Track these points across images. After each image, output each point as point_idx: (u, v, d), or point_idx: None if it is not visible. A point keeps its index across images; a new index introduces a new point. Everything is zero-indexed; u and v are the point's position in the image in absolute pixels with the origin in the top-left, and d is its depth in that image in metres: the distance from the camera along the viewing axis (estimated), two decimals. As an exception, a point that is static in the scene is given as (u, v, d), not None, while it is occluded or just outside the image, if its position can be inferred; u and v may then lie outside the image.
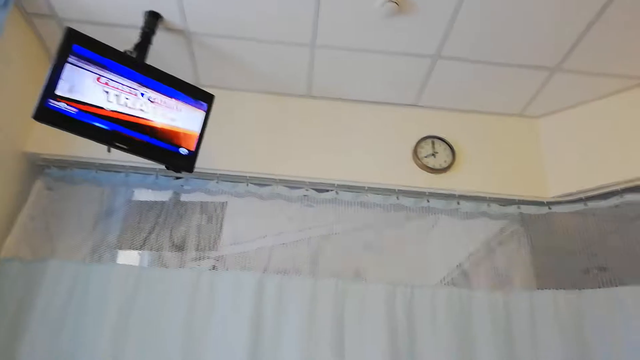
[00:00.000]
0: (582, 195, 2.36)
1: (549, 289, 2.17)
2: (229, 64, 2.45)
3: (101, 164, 2.36)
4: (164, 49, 2.37)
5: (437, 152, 2.50)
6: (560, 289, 2.16)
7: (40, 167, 2.35)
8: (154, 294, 2.05)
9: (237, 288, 2.08)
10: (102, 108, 1.89)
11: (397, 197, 2.40)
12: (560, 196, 2.41)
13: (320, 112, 2.61)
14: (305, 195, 2.40)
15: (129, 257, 2.25)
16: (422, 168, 2.47)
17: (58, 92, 1.79)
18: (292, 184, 2.40)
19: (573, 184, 2.37)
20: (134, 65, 2.00)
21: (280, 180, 2.40)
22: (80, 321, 1.97)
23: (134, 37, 2.13)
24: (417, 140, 2.52)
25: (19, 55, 2.23)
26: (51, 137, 2.33)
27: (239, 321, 2.00)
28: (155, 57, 2.35)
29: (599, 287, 2.11)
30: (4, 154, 2.18)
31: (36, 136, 2.36)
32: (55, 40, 2.29)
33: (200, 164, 2.20)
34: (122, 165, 2.37)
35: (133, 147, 1.97)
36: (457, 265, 2.30)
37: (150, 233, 2.27)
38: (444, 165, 2.47)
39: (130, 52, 2.08)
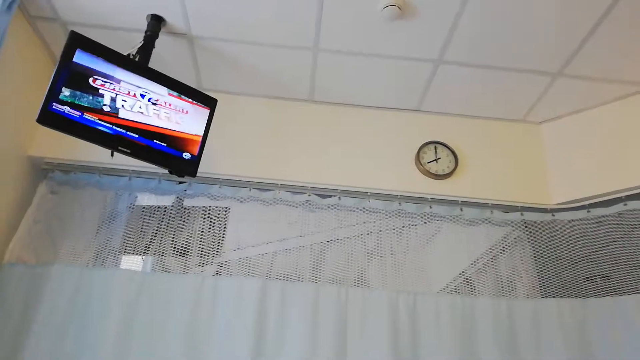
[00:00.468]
0: (585, 203, 2.35)
1: (553, 296, 2.17)
2: (232, 68, 2.45)
3: (105, 168, 2.36)
4: (167, 53, 2.37)
5: (439, 158, 2.50)
6: (564, 296, 2.16)
7: (44, 170, 2.35)
8: (157, 299, 2.04)
9: (239, 294, 2.08)
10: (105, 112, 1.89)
11: (400, 203, 2.40)
12: (563, 203, 2.40)
13: (323, 117, 2.61)
14: (307, 201, 2.40)
15: (132, 262, 2.25)
16: (424, 174, 2.46)
17: (62, 95, 1.79)
18: (294, 189, 2.40)
19: (576, 191, 2.37)
20: (137, 69, 2.00)
21: (282, 185, 2.40)
22: (83, 325, 1.97)
23: (137, 40, 2.14)
24: (419, 145, 2.52)
25: (22, 59, 2.23)
26: (55, 140, 2.33)
27: (241, 327, 2.00)
28: (158, 61, 2.36)
29: (603, 296, 2.10)
30: (7, 158, 2.18)
31: (40, 140, 2.36)
32: (58, 43, 2.30)
33: (203, 168, 2.21)
34: (126, 170, 2.37)
35: (136, 151, 1.97)
36: (460, 273, 2.29)
37: (153, 238, 2.27)
38: (447, 171, 2.46)
39: (134, 55, 2.08)
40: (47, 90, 1.77)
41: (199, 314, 2.03)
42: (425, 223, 2.41)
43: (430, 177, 2.46)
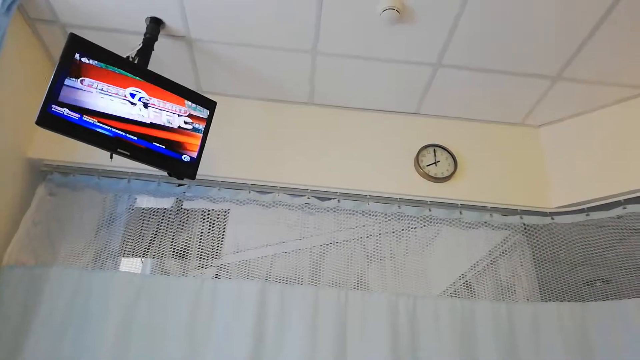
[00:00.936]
0: (584, 206, 2.36)
1: (552, 300, 2.17)
2: (231, 70, 2.45)
3: (104, 170, 2.36)
4: (166, 55, 2.37)
5: (439, 161, 2.50)
6: (564, 300, 2.16)
7: (42, 173, 2.35)
8: (156, 302, 2.04)
9: (239, 297, 2.07)
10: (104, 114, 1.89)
11: (399, 206, 2.40)
12: (562, 206, 2.40)
13: (322, 120, 2.61)
14: (307, 203, 2.39)
15: (131, 264, 2.24)
16: (424, 177, 2.47)
17: (61, 97, 1.79)
18: (294, 192, 2.40)
19: (575, 194, 2.37)
20: (136, 71, 1.99)
21: (282, 188, 2.40)
22: (82, 328, 1.96)
23: (136, 43, 2.14)
24: (418, 148, 2.52)
25: (21, 61, 2.23)
26: (54, 143, 2.33)
27: (240, 330, 1.99)
28: (157, 64, 2.36)
29: (603, 300, 2.10)
30: (6, 160, 2.18)
31: (39, 142, 2.35)
32: (57, 45, 2.30)
33: (202, 171, 2.20)
34: (125, 172, 2.37)
35: (135, 154, 1.97)
36: (460, 276, 2.29)
37: (152, 240, 2.26)
38: (446, 174, 2.46)
39: (133, 58, 2.08)
40: (46, 92, 1.77)
41: (198, 316, 2.02)
42: (424, 226, 2.41)
43: (430, 180, 2.46)
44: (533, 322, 2.10)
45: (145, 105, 2.00)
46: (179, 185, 2.38)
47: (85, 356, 1.91)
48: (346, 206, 2.39)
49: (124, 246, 2.24)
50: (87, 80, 1.86)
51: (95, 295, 2.03)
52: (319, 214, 2.40)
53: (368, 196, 2.42)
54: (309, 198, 2.40)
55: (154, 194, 2.38)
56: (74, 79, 1.83)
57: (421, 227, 2.40)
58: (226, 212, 2.38)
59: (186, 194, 2.38)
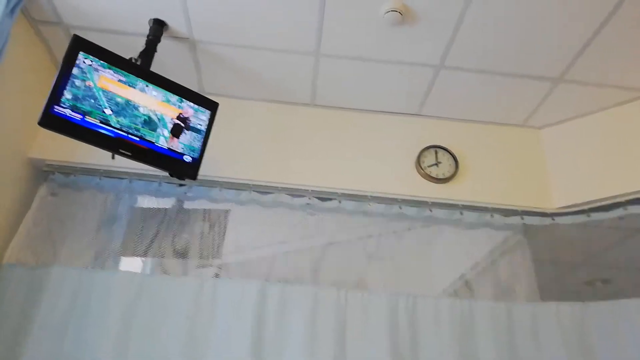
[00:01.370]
0: (585, 207, 2.35)
1: (552, 300, 2.16)
2: (233, 72, 2.46)
3: (105, 171, 2.37)
4: (169, 57, 2.38)
5: (440, 162, 2.50)
6: (564, 300, 2.15)
7: (44, 173, 2.36)
8: (157, 302, 2.04)
9: (239, 296, 2.07)
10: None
11: (400, 207, 2.40)
12: (563, 207, 2.40)
13: (324, 121, 2.62)
14: (307, 204, 2.40)
15: (132, 264, 2.25)
16: (425, 177, 2.47)
17: (64, 98, 1.80)
18: (294, 192, 2.41)
19: (576, 195, 2.37)
20: (139, 73, 2.01)
21: (283, 188, 2.41)
22: (82, 327, 1.97)
23: (140, 44, 2.15)
24: (420, 149, 2.53)
25: (25, 62, 2.24)
26: (56, 143, 2.34)
27: (241, 329, 1.99)
28: (160, 65, 2.37)
29: (603, 300, 2.10)
30: (8, 160, 2.19)
31: (41, 142, 2.37)
32: (61, 47, 2.32)
33: (203, 171, 2.21)
34: (126, 172, 2.37)
35: (137, 154, 1.98)
36: (460, 276, 2.29)
37: (153, 240, 2.27)
38: (447, 175, 2.47)
39: (136, 59, 2.09)
40: (49, 93, 1.78)
41: (198, 316, 2.03)
42: (425, 226, 2.41)
43: (431, 181, 2.46)
44: (533, 321, 2.10)
45: (147, 106, 2.01)
46: (180, 185, 2.38)
47: (85, 355, 1.91)
48: (347, 207, 2.39)
49: (125, 246, 2.25)
50: (90, 81, 1.88)
51: (95, 294, 2.04)
52: (319, 214, 2.40)
53: (369, 197, 2.42)
54: (310, 198, 2.40)
55: (155, 194, 2.39)
56: (76, 80, 1.84)
57: (422, 227, 2.40)
58: (227, 212, 2.38)
59: (187, 194, 2.39)
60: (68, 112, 1.81)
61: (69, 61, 1.84)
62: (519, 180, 2.50)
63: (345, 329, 2.04)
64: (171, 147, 2.06)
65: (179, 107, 2.10)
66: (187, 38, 2.27)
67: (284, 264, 2.24)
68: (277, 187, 2.41)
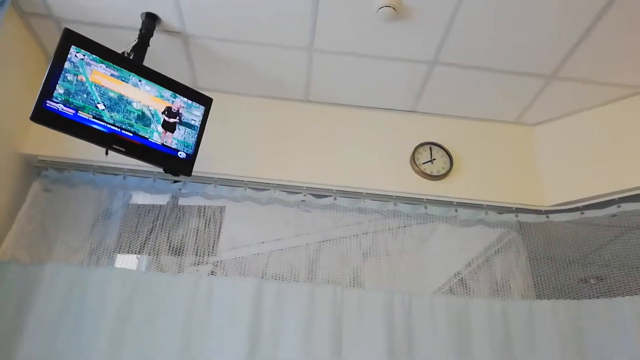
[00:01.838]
0: (579, 204, 2.37)
1: (547, 297, 2.18)
2: (227, 67, 2.44)
3: (99, 167, 2.35)
4: (162, 51, 2.36)
5: (435, 159, 2.51)
6: (558, 297, 2.17)
7: (37, 168, 2.33)
8: (152, 299, 2.03)
9: (235, 294, 2.07)
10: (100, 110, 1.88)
11: (395, 204, 2.40)
12: (557, 205, 2.41)
13: (318, 117, 2.61)
14: (303, 201, 2.39)
15: (126, 261, 2.23)
16: (419, 174, 2.47)
17: (56, 93, 1.78)
18: (290, 189, 2.40)
19: (570, 193, 2.38)
20: (131, 67, 1.98)
21: (278, 185, 2.40)
22: (77, 325, 1.96)
23: (132, 38, 2.12)
24: (414, 146, 2.53)
25: (15, 56, 2.21)
26: (49, 138, 2.31)
27: (236, 327, 1.99)
28: (153, 59, 2.35)
29: (597, 297, 2.12)
30: (1, 155, 2.16)
31: (33, 137, 2.34)
32: (52, 40, 2.29)
33: (198, 167, 2.20)
34: (120, 168, 2.35)
35: (131, 150, 1.96)
36: (455, 273, 2.30)
37: (148, 237, 2.26)
38: (442, 171, 2.47)
39: (128, 53, 2.07)
40: (40, 87, 1.76)
41: (193, 313, 2.02)
42: (420, 224, 2.41)
43: (426, 178, 2.46)
44: (528, 319, 2.11)
45: (141, 101, 1.99)
46: (175, 181, 2.37)
47: (80, 352, 1.90)
48: (342, 203, 2.39)
49: (120, 243, 2.24)
50: (82, 76, 1.85)
51: (90, 291, 2.02)
52: (315, 211, 2.40)
53: (364, 194, 2.42)
54: (305, 195, 2.39)
55: (149, 191, 2.37)
56: (68, 74, 1.82)
57: (417, 224, 2.41)
58: (222, 209, 2.37)
59: (182, 191, 2.37)
60: (60, 107, 1.79)
61: (61, 55, 1.81)
62: (514, 178, 2.51)
63: (341, 326, 2.04)
64: (165, 143, 2.05)
65: (172, 102, 2.08)
66: (180, 32, 2.25)
67: (279, 261, 2.24)
68: (272, 183, 2.40)
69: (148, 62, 2.12)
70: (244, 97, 2.62)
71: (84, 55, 1.87)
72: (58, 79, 1.79)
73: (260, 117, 2.57)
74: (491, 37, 2.14)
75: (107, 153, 2.03)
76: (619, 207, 2.26)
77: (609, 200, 2.29)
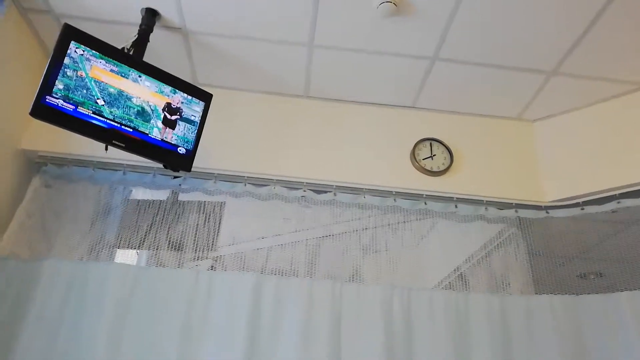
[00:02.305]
0: (578, 200, 2.37)
1: (546, 293, 2.18)
2: (227, 63, 2.44)
3: (99, 162, 2.35)
4: (162, 47, 2.36)
5: (435, 155, 2.51)
6: (557, 293, 2.17)
7: (37, 164, 2.33)
8: (152, 294, 2.04)
9: (234, 289, 2.07)
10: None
11: (395, 199, 2.40)
12: (557, 200, 2.41)
13: (318, 113, 2.61)
14: (303, 196, 2.39)
15: (126, 256, 2.24)
16: (420, 170, 2.47)
17: (55, 88, 1.78)
18: (290, 185, 2.40)
19: (570, 189, 2.38)
20: (131, 63, 1.98)
21: (278, 180, 2.40)
22: (77, 320, 1.96)
23: (132, 34, 2.12)
24: (415, 142, 2.52)
25: (15, 51, 2.21)
26: (48, 134, 2.32)
27: (236, 322, 1.99)
28: (153, 55, 2.35)
29: (596, 293, 2.12)
30: (0, 151, 2.16)
31: (33, 133, 2.34)
32: (52, 36, 2.28)
33: (198, 163, 2.20)
34: (120, 164, 2.36)
35: (130, 146, 1.96)
36: (455, 269, 2.30)
37: (147, 232, 2.26)
38: (442, 167, 2.47)
39: (128, 49, 2.06)
40: (40, 83, 1.76)
41: (193, 308, 2.02)
42: (420, 219, 2.41)
43: (426, 174, 2.46)
44: (527, 314, 2.11)
45: (141, 97, 1.99)
46: (175, 177, 2.37)
47: (80, 348, 1.91)
48: (342, 199, 2.39)
49: (119, 238, 2.24)
50: (82, 71, 1.85)
51: (90, 287, 2.02)
52: (315, 206, 2.40)
53: (364, 189, 2.42)
54: (305, 191, 2.40)
55: (149, 186, 2.38)
56: (68, 70, 1.82)
57: (416, 220, 2.41)
58: (222, 204, 2.37)
59: (182, 186, 2.37)
60: (60, 102, 1.79)
61: (60, 51, 1.81)
62: (513, 173, 2.51)
63: (340, 321, 2.04)
64: (165, 139, 2.05)
65: (172, 98, 2.08)
66: (180, 28, 2.24)
67: (279, 257, 2.24)
68: (272, 179, 2.40)
69: (148, 57, 2.12)
70: (244, 92, 2.62)
71: (83, 51, 1.86)
72: (57, 75, 1.79)
73: (260, 113, 2.57)
74: (491, 33, 2.14)
75: (106, 149, 2.03)
76: (618, 202, 2.26)
77: (609, 196, 2.29)
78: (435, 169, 2.46)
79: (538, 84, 2.41)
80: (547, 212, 2.41)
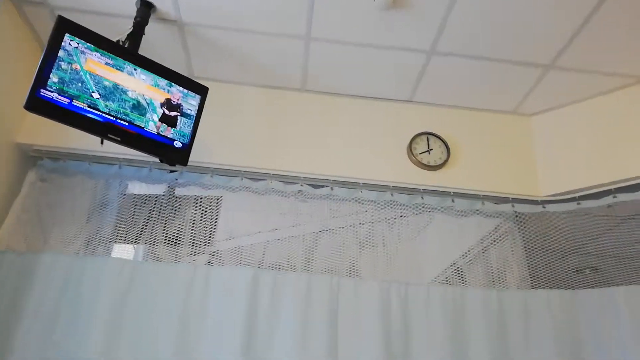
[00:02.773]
0: (575, 195, 2.37)
1: (542, 287, 2.19)
2: (223, 56, 2.42)
3: (95, 156, 2.34)
4: (157, 40, 2.34)
5: (431, 149, 2.50)
6: (554, 287, 2.18)
7: (33, 158, 2.32)
8: (149, 288, 2.03)
9: (231, 283, 2.07)
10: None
11: (392, 194, 2.40)
12: (553, 195, 2.42)
13: (315, 107, 2.60)
14: (300, 191, 2.39)
15: (123, 251, 2.23)
16: (416, 164, 2.47)
17: (50, 82, 1.76)
18: (287, 179, 2.40)
19: (566, 183, 2.38)
20: (126, 56, 1.96)
21: (275, 175, 2.40)
22: (73, 314, 1.96)
23: (127, 26, 2.10)
24: (412, 136, 2.52)
25: (9, 44, 2.19)
26: (44, 128, 2.30)
27: (233, 316, 1.99)
28: (148, 48, 2.33)
29: (592, 287, 2.13)
30: (-6, 145, 2.15)
31: (29, 127, 2.32)
32: (46, 28, 2.26)
33: (194, 157, 2.19)
34: (116, 158, 2.34)
35: (126, 139, 1.94)
36: (452, 263, 2.31)
37: (144, 227, 2.25)
38: (439, 162, 2.47)
39: (123, 42, 2.05)
40: (34, 76, 1.74)
41: (190, 303, 2.02)
42: (417, 214, 2.41)
43: (423, 168, 2.46)
44: (523, 308, 2.12)
45: (136, 91, 1.97)
46: (171, 171, 2.36)
47: (77, 342, 1.91)
48: (339, 194, 2.39)
49: (116, 232, 2.23)
50: (77, 64, 1.83)
51: (86, 281, 2.02)
52: (311, 201, 2.40)
53: (361, 184, 2.42)
54: (302, 185, 2.39)
55: (145, 180, 2.37)
56: (63, 63, 1.80)
57: (413, 214, 2.41)
58: (219, 199, 2.37)
59: (178, 181, 2.37)
60: (55, 95, 1.78)
61: (55, 43, 1.79)
62: (510, 168, 2.51)
63: (337, 316, 2.05)
64: (161, 132, 2.03)
65: (168, 91, 2.07)
66: (176, 20, 2.22)
67: (276, 251, 2.24)
68: (269, 174, 2.40)
69: (143, 50, 2.10)
70: (240, 86, 2.61)
71: (78, 44, 1.85)
72: (52, 68, 1.77)
73: (257, 107, 2.56)
74: (489, 26, 2.13)
75: (102, 142, 2.02)
76: (615, 197, 2.26)
77: (605, 191, 2.30)
78: (432, 163, 2.46)
79: (535, 77, 2.40)
80: (544, 207, 2.42)
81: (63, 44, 1.81)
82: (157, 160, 2.26)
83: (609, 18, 2.04)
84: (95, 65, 1.88)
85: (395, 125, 2.58)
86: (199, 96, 2.16)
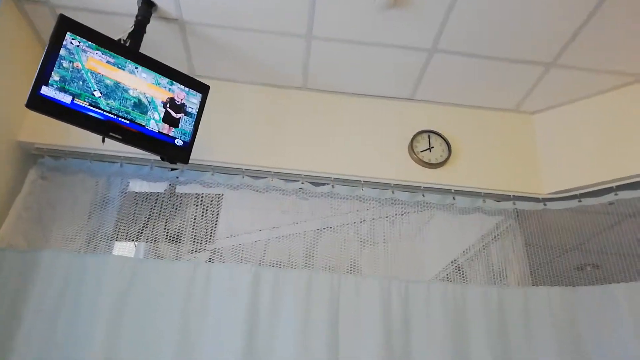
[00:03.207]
0: (576, 192, 2.37)
1: (543, 284, 2.19)
2: (224, 54, 2.43)
3: (96, 154, 2.34)
4: (159, 38, 2.34)
5: (433, 147, 2.50)
6: (554, 284, 2.18)
7: (34, 156, 2.33)
8: (150, 286, 2.04)
9: (232, 281, 2.07)
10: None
11: (393, 192, 2.41)
12: (554, 192, 2.42)
13: (317, 105, 2.60)
14: (301, 189, 2.39)
15: (124, 248, 2.24)
16: (418, 162, 2.47)
17: (51, 80, 1.77)
18: (288, 177, 2.40)
19: (567, 181, 2.38)
20: (128, 54, 1.97)
21: (276, 173, 2.40)
22: (74, 312, 1.96)
23: (128, 25, 2.10)
24: (413, 134, 2.52)
25: (11, 43, 2.19)
26: (45, 126, 2.31)
27: (234, 314, 2.00)
28: (150, 47, 2.33)
29: (592, 284, 2.13)
30: (-4, 143, 2.16)
31: (30, 125, 2.33)
32: (48, 27, 2.27)
33: (195, 155, 2.20)
34: (117, 156, 2.35)
35: (127, 138, 1.95)
36: (452, 261, 2.31)
37: (145, 224, 2.26)
38: (440, 159, 2.47)
39: (124, 40, 2.05)
40: (36, 74, 1.74)
41: (191, 300, 2.03)
42: (418, 211, 2.42)
43: (424, 166, 2.46)
44: (524, 306, 2.12)
45: (138, 89, 1.98)
46: (172, 169, 2.37)
47: (78, 339, 1.91)
48: (340, 191, 2.39)
49: (117, 230, 2.24)
50: (78, 63, 1.84)
51: (88, 279, 2.03)
52: (313, 199, 2.40)
53: (362, 181, 2.42)
54: (303, 183, 2.39)
55: (146, 178, 2.37)
56: (64, 61, 1.81)
57: (414, 212, 2.41)
58: (220, 196, 2.37)
59: (179, 179, 2.37)
60: (56, 94, 1.78)
61: (56, 42, 1.80)
62: (511, 166, 2.51)
63: (338, 313, 2.05)
64: (162, 131, 2.04)
65: (170, 89, 2.07)
66: (177, 19, 2.22)
67: (277, 249, 2.24)
68: (270, 171, 2.40)
69: (145, 49, 2.11)
70: (241, 84, 2.61)
71: (79, 42, 1.85)
72: (53, 66, 1.78)
73: (258, 105, 2.56)
74: (490, 24, 2.13)
75: (103, 141, 2.02)
76: (616, 195, 2.26)
77: (607, 188, 2.30)
78: (433, 161, 2.46)
79: (537, 75, 2.40)
80: (545, 204, 2.42)
81: (64, 42, 1.81)
82: (158, 158, 2.26)
83: (611, 16, 2.03)
84: (96, 63, 1.88)
85: (397, 123, 2.58)
86: (200, 94, 2.16)
